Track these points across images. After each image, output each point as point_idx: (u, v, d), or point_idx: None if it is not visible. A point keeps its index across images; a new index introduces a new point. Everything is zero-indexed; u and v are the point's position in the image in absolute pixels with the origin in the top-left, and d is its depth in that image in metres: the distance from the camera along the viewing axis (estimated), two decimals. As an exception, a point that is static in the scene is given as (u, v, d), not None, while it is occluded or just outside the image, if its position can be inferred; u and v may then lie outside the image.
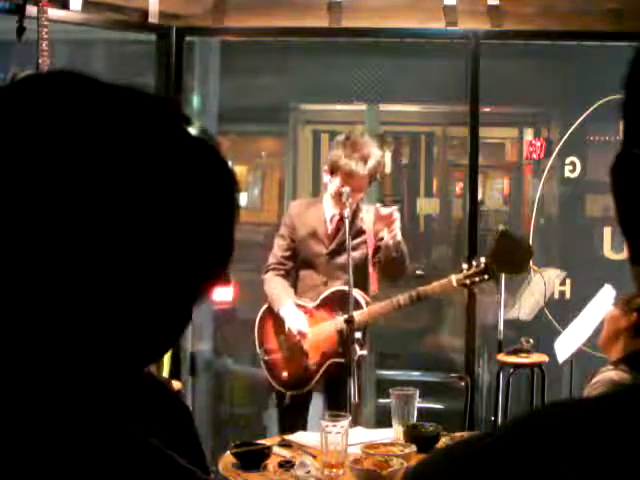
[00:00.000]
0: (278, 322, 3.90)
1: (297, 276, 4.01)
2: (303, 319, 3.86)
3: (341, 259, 3.80)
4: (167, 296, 0.71)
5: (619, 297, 3.33)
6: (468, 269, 3.67)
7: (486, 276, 3.67)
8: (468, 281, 3.66)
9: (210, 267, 0.73)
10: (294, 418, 3.84)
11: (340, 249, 3.81)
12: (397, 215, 3.76)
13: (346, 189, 3.72)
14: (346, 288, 3.63)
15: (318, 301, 3.86)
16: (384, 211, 3.75)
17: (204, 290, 0.74)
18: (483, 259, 3.69)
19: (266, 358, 3.96)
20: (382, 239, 3.82)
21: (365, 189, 3.86)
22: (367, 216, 3.89)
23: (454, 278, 3.67)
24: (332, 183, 3.83)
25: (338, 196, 3.79)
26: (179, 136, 0.73)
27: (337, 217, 3.88)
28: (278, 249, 4.03)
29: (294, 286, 3.99)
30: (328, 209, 3.92)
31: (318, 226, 3.93)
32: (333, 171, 3.82)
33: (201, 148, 0.74)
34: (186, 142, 0.73)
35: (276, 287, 3.96)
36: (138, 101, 0.74)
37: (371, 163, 3.80)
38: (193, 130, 0.74)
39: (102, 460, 0.68)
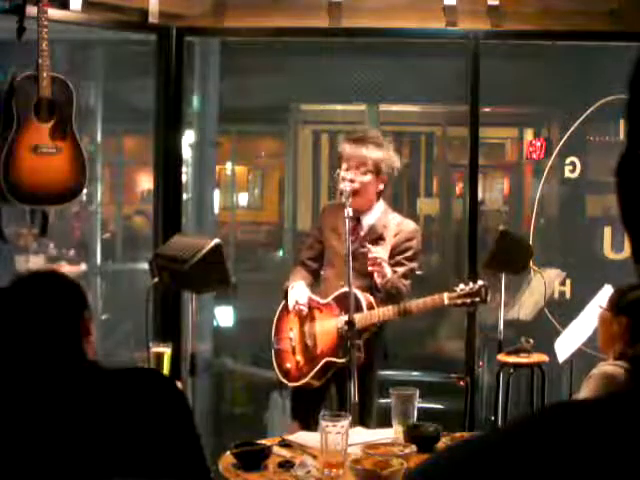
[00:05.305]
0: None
1: (322, 278, 4.02)
2: (305, 293, 3.88)
3: (357, 264, 3.68)
4: None
5: (610, 295, 3.31)
6: (462, 289, 3.63)
7: (477, 299, 3.64)
8: (459, 301, 3.63)
9: None
10: (307, 412, 3.84)
11: (357, 253, 3.71)
12: (379, 259, 3.66)
13: (346, 187, 3.70)
14: (356, 291, 3.63)
15: (328, 299, 3.86)
16: (373, 250, 3.68)
17: None
18: (480, 282, 3.65)
19: (276, 347, 4.00)
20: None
21: (367, 173, 3.78)
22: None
23: (446, 296, 3.64)
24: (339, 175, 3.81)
25: (342, 184, 3.76)
26: None
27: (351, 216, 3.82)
28: (304, 247, 4.11)
29: (318, 287, 4.00)
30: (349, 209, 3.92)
31: (340, 224, 3.89)
32: (339, 159, 3.84)
33: None
34: None
35: (292, 273, 4.02)
36: None
37: (376, 151, 3.78)
38: None
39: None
